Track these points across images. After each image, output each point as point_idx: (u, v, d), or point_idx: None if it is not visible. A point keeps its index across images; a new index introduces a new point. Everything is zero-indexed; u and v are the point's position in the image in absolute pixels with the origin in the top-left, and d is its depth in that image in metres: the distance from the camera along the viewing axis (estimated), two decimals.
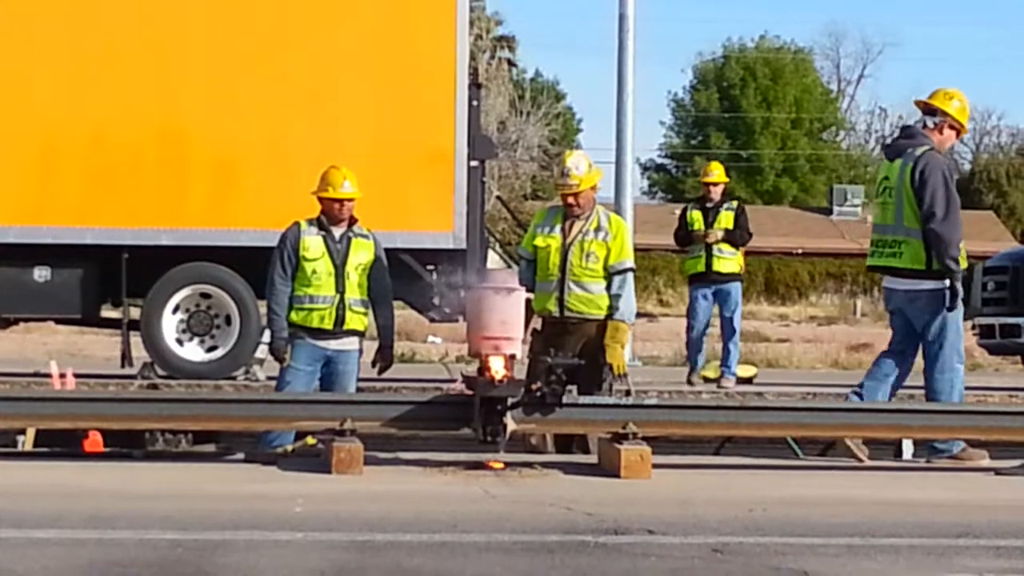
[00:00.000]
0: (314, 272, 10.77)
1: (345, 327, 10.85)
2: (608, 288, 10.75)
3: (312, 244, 10.80)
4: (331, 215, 10.87)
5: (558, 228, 10.81)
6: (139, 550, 7.19)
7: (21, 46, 15.53)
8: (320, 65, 15.71)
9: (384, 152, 15.35)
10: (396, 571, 6.97)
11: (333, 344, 10.88)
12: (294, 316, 10.84)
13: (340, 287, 10.80)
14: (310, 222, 10.91)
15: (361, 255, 10.91)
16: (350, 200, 10.90)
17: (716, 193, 16.70)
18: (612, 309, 10.72)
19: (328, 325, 10.81)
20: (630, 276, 10.83)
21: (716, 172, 16.93)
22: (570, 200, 10.76)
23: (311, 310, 10.80)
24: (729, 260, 16.51)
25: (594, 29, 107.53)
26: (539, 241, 10.87)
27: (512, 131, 46.80)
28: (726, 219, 16.50)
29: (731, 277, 16.54)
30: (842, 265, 56.93)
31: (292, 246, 10.82)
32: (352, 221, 10.96)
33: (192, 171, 15.64)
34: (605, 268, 10.73)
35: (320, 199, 10.92)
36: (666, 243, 56.17)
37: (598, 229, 10.75)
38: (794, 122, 73.79)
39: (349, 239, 10.88)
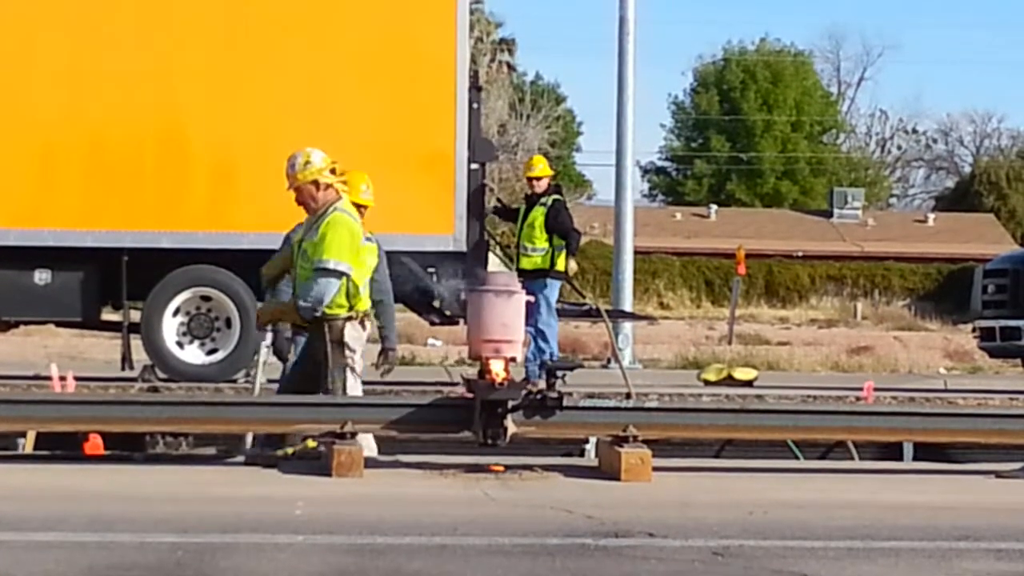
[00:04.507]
0: None
1: None
2: None
3: None
4: None
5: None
6: (139, 553, 7.19)
7: (21, 48, 15.52)
8: (321, 68, 15.70)
9: (385, 155, 15.32)
10: (396, 574, 6.97)
11: None
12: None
13: None
14: None
15: (366, 259, 10.90)
16: (366, 207, 10.88)
17: (538, 187, 16.57)
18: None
19: None
20: (326, 274, 10.13)
21: (538, 166, 16.79)
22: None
23: None
24: (533, 257, 16.27)
25: (594, 32, 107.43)
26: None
27: (512, 134, 46.73)
28: (536, 214, 16.37)
29: (533, 275, 15.99)
30: (842, 268, 56.92)
31: None
32: None
33: (192, 174, 15.63)
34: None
35: None
36: (666, 246, 56.40)
37: (315, 229, 10.37)
38: (794, 125, 73.77)
39: None
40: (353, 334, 10.35)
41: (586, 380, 15.08)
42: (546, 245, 16.30)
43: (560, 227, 16.38)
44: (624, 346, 20.65)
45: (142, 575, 6.81)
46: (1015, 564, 7.41)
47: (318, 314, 10.17)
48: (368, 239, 10.98)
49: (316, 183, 10.33)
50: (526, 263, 16.28)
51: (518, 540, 7.65)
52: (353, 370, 10.38)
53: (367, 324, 10.63)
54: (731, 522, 8.27)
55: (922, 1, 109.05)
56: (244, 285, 15.32)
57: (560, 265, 16.34)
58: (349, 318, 10.29)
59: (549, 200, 16.48)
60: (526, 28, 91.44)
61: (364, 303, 10.43)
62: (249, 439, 11.74)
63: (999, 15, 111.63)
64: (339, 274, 10.15)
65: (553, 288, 16.47)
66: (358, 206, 10.87)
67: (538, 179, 16.64)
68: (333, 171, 10.45)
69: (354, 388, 10.37)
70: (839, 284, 56.33)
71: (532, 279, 15.76)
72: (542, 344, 16.09)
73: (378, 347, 11.55)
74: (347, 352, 10.27)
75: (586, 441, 12.83)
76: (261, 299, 14.70)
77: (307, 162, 10.39)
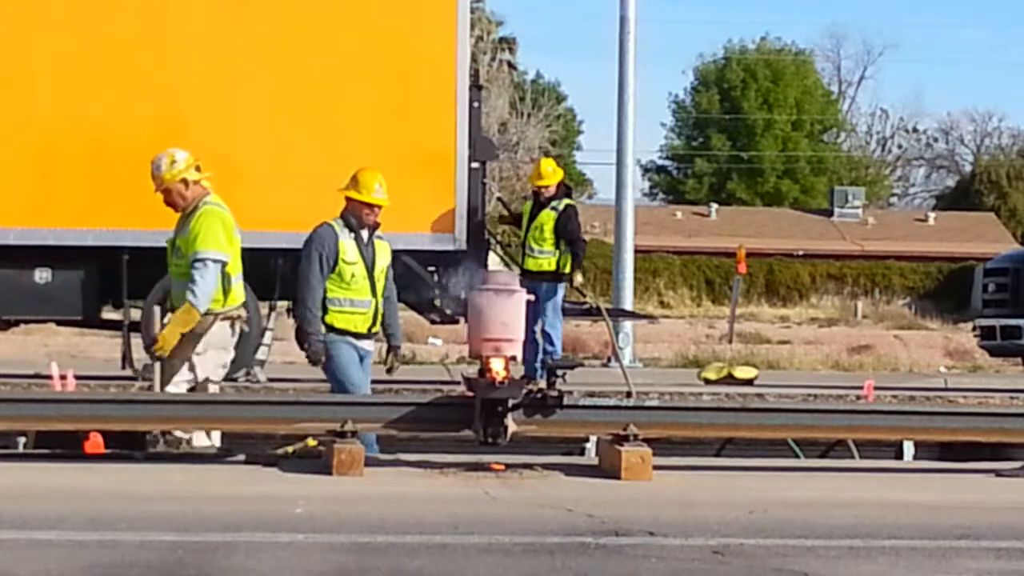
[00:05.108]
0: (353, 276, 10.72)
1: (374, 329, 10.91)
2: None
3: (349, 247, 10.76)
4: (359, 217, 10.84)
5: None
6: (140, 552, 7.20)
7: (22, 48, 15.52)
8: (321, 66, 15.69)
9: (385, 154, 15.27)
10: (397, 573, 6.97)
11: (365, 344, 10.93)
12: (335, 320, 10.77)
13: (374, 290, 10.82)
14: (339, 223, 10.87)
15: (384, 258, 10.96)
16: (380, 206, 10.88)
17: (548, 192, 16.22)
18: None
19: (364, 328, 10.84)
20: (204, 266, 10.15)
21: (547, 172, 16.33)
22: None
23: (353, 314, 10.78)
24: (539, 260, 16.11)
25: (595, 31, 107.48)
26: None
27: (513, 133, 46.80)
28: (545, 218, 16.12)
29: (539, 276, 15.88)
30: (843, 267, 56.96)
31: (332, 247, 10.72)
32: (375, 225, 10.96)
33: None
34: None
35: (349, 199, 10.88)
36: (667, 245, 56.42)
37: (187, 226, 10.35)
38: (795, 124, 73.82)
39: (373, 242, 10.90)
40: (220, 334, 10.36)
41: (586, 379, 15.08)
42: (553, 248, 16.04)
43: (569, 235, 16.15)
44: (624, 345, 20.64)
45: (143, 573, 6.82)
46: (1015, 563, 7.41)
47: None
48: (381, 238, 11.02)
49: (184, 181, 10.44)
50: (531, 264, 16.10)
51: (518, 539, 7.66)
52: (192, 368, 10.31)
53: (238, 328, 10.58)
54: (732, 521, 8.27)
55: (922, 1, 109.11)
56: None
57: (569, 270, 16.18)
58: (225, 317, 10.33)
59: (561, 205, 16.14)
60: (527, 27, 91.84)
61: (236, 298, 10.43)
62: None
63: (999, 15, 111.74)
64: (218, 263, 10.21)
65: (560, 292, 16.37)
66: (371, 205, 10.84)
67: (547, 187, 16.40)
68: (198, 168, 10.56)
69: (179, 385, 10.33)
70: (839, 283, 56.38)
71: (536, 280, 15.69)
72: (548, 347, 16.04)
73: (382, 346, 11.56)
74: (197, 348, 10.25)
75: (586, 440, 12.83)
76: (262, 298, 14.78)
77: (173, 162, 10.48)
